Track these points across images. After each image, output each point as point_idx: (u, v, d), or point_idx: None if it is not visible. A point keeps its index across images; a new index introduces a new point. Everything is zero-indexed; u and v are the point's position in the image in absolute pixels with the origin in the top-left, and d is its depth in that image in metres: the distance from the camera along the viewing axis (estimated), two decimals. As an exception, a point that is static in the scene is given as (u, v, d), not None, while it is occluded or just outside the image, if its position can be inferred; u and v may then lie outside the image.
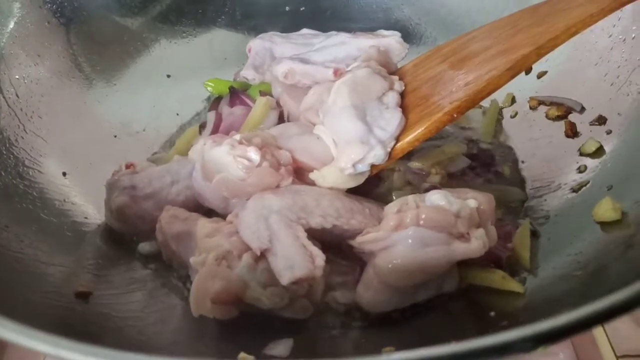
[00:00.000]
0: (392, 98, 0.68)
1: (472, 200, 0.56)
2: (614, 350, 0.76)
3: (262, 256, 0.56)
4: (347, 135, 0.64)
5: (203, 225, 0.61)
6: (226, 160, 0.63)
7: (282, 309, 0.57)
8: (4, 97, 0.72)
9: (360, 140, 0.64)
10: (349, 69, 0.72)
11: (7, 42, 0.75)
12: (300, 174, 0.67)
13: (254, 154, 0.62)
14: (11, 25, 0.75)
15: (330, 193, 0.63)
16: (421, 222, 0.54)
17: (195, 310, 0.55)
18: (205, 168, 0.65)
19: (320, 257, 0.55)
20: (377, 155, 0.64)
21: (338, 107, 0.66)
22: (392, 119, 0.66)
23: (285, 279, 0.54)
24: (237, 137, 0.65)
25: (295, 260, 0.55)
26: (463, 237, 0.55)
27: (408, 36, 0.96)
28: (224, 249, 0.57)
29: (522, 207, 0.70)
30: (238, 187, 0.63)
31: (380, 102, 0.67)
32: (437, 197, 0.56)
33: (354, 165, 0.63)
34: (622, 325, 0.79)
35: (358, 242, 0.57)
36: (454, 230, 0.54)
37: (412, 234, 0.54)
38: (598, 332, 0.78)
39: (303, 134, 0.69)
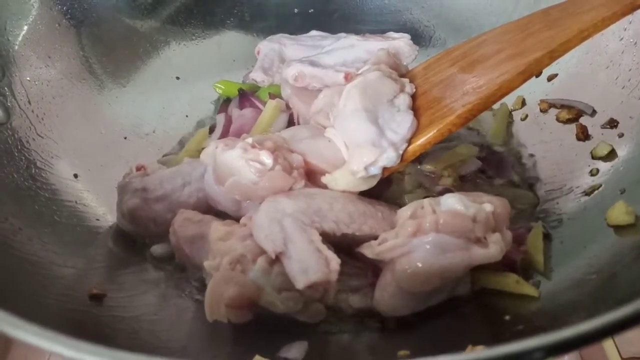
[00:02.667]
0: (404, 100, 0.68)
1: (488, 205, 0.56)
2: (619, 353, 0.76)
3: (276, 260, 0.56)
4: (359, 138, 0.64)
5: (216, 228, 0.60)
6: (238, 164, 0.63)
7: (296, 313, 0.57)
8: (15, 99, 0.72)
9: (372, 143, 0.63)
10: (359, 72, 0.72)
11: (19, 44, 0.74)
12: (312, 177, 0.67)
13: (266, 158, 0.62)
14: (25, 28, 0.75)
15: (343, 196, 0.63)
16: (440, 227, 0.54)
17: (210, 316, 0.55)
18: (218, 172, 0.65)
19: (335, 261, 0.55)
20: (389, 158, 0.63)
21: (349, 110, 0.66)
22: (403, 122, 0.66)
23: (300, 283, 0.54)
24: (249, 140, 0.65)
25: (310, 264, 0.55)
26: (480, 241, 0.55)
27: (417, 38, 0.96)
28: (238, 253, 0.57)
29: (534, 210, 0.70)
30: (251, 191, 0.63)
31: (392, 105, 0.67)
32: (453, 201, 0.55)
33: (366, 168, 0.63)
34: (628, 327, 0.79)
35: (376, 252, 0.56)
36: (471, 235, 0.54)
37: (432, 240, 0.54)
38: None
39: (314, 137, 0.69)
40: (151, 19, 0.93)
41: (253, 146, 0.64)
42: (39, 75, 0.76)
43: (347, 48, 0.81)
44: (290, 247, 0.56)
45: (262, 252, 0.57)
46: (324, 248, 0.56)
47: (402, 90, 0.69)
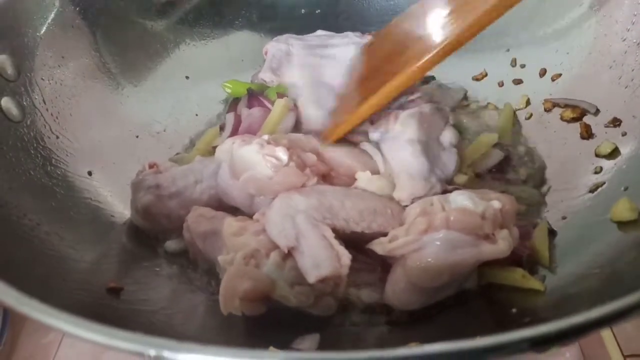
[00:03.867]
0: (449, 138, 0.72)
1: (496, 202, 0.57)
2: (621, 350, 0.77)
3: (289, 255, 0.58)
4: (412, 169, 0.67)
5: (230, 223, 0.62)
6: (255, 158, 0.65)
7: (307, 307, 0.58)
8: (30, 98, 0.74)
9: (424, 177, 0.66)
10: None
11: (36, 45, 0.76)
12: (326, 177, 0.68)
13: (282, 154, 0.64)
14: (43, 29, 0.77)
15: (354, 193, 0.65)
16: (450, 224, 0.55)
17: (225, 309, 0.56)
18: (234, 166, 0.67)
19: (346, 257, 0.57)
20: (435, 192, 0.66)
21: (405, 139, 0.68)
22: (449, 161, 0.70)
23: (312, 277, 0.55)
24: (265, 137, 0.67)
25: (322, 259, 0.56)
26: (488, 238, 0.56)
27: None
28: (251, 247, 0.58)
29: (540, 207, 0.72)
30: (265, 185, 0.64)
31: (439, 141, 0.71)
32: (462, 198, 0.57)
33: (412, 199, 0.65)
34: (629, 325, 0.80)
35: (387, 249, 0.58)
36: (480, 231, 0.55)
37: (442, 237, 0.55)
38: (605, 332, 0.79)
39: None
40: (162, 19, 0.94)
41: (269, 142, 0.66)
42: (54, 74, 0.78)
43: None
44: (302, 243, 0.58)
45: (275, 247, 0.59)
46: (335, 243, 0.58)
47: (446, 123, 0.71)
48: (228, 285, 0.56)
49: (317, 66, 0.84)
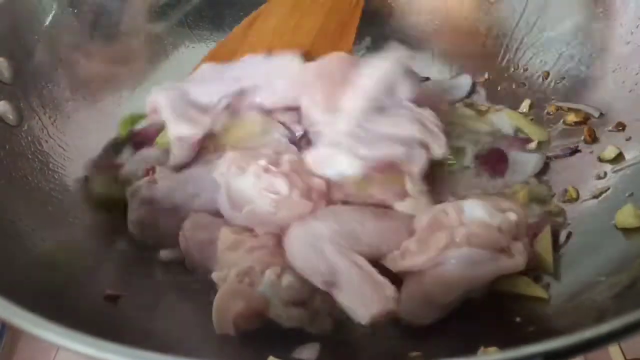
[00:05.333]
0: None
1: (512, 214, 0.56)
2: (623, 354, 0.77)
3: (283, 272, 0.56)
4: None
5: (225, 236, 0.60)
6: (252, 192, 0.60)
7: (303, 325, 0.56)
8: (28, 102, 0.73)
9: None
10: None
11: (33, 48, 0.75)
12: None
13: (281, 186, 0.60)
14: (42, 30, 0.76)
15: (370, 212, 0.61)
16: (470, 240, 0.54)
17: (218, 329, 0.55)
18: (232, 198, 0.62)
19: (389, 289, 0.54)
20: None
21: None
22: None
23: (364, 318, 0.52)
24: (262, 162, 0.62)
25: (367, 294, 0.53)
26: (504, 251, 0.55)
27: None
28: (245, 265, 0.56)
29: (543, 213, 0.70)
30: (270, 220, 0.60)
31: None
32: (477, 210, 0.56)
33: None
34: (632, 328, 0.79)
35: (405, 267, 0.56)
36: (497, 245, 0.54)
37: (462, 253, 0.54)
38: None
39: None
40: (160, 21, 0.93)
41: (266, 169, 0.61)
42: (52, 78, 0.77)
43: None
44: (339, 278, 0.55)
45: (271, 264, 0.57)
46: (374, 273, 0.55)
47: None
48: (221, 306, 0.55)
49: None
